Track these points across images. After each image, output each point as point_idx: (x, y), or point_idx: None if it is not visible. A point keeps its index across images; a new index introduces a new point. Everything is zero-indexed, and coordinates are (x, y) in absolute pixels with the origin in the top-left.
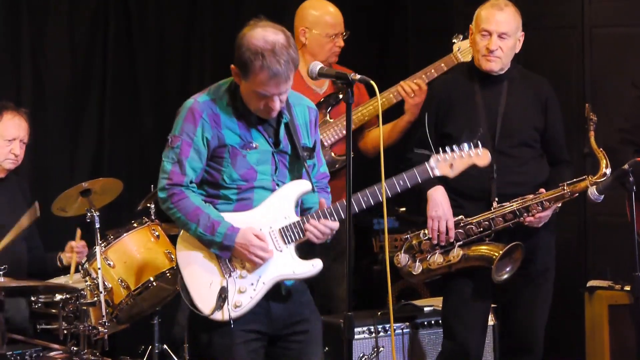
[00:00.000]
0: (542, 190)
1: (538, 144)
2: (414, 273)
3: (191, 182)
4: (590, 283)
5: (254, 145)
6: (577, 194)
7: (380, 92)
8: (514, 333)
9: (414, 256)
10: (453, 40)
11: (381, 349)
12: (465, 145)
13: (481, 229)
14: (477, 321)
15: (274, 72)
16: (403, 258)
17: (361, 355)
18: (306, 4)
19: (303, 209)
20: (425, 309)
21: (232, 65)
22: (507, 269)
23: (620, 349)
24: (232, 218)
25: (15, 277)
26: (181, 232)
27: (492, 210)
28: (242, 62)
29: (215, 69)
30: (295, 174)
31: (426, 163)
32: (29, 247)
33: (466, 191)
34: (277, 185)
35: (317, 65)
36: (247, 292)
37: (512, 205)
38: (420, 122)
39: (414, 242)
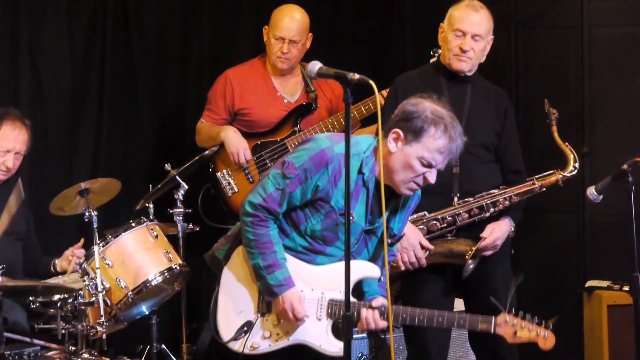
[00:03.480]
0: (503, 186)
1: (494, 149)
2: None
3: (276, 217)
4: (589, 283)
5: (353, 217)
6: (545, 189)
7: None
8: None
9: None
10: (432, 53)
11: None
12: (536, 319)
13: (444, 225)
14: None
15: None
16: None
17: (360, 355)
18: (282, 6)
19: (360, 290)
20: None
21: (396, 129)
22: (470, 262)
23: (619, 349)
24: (294, 265)
25: (12, 277)
26: (240, 250)
27: (457, 206)
28: (415, 126)
29: (214, 70)
30: (372, 255)
31: (494, 318)
32: (25, 247)
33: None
34: (352, 256)
35: (317, 65)
36: (268, 340)
37: (477, 200)
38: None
39: None
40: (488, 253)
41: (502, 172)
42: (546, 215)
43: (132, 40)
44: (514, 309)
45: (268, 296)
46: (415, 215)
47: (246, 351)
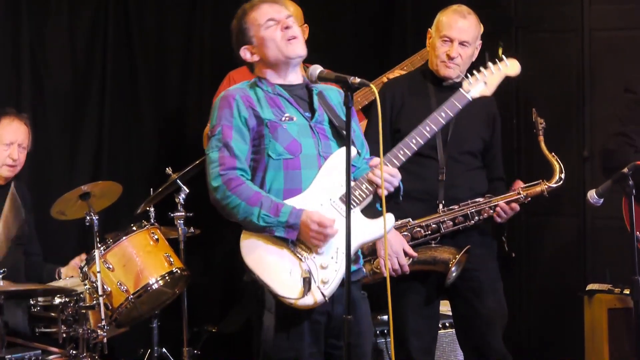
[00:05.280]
0: (488, 195)
1: (480, 156)
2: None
3: (243, 169)
4: (590, 286)
5: (291, 117)
6: (530, 198)
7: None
8: (474, 345)
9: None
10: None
11: None
12: (489, 63)
13: (429, 232)
14: (425, 326)
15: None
16: None
17: None
18: None
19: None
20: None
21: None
22: (453, 270)
23: (620, 353)
24: (289, 202)
25: (13, 281)
26: (242, 239)
27: (441, 214)
28: None
29: (215, 71)
30: (340, 143)
31: (460, 89)
32: (27, 252)
33: (412, 193)
34: (323, 158)
35: (318, 69)
36: (330, 267)
37: (462, 209)
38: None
39: None
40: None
41: (488, 178)
42: (547, 219)
43: (134, 43)
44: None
45: (291, 232)
46: (399, 222)
47: (326, 292)
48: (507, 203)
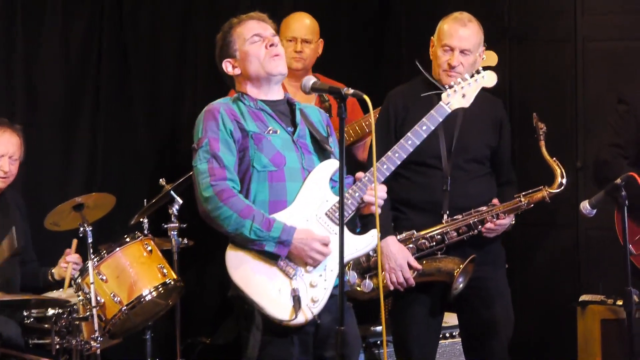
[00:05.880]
0: (496, 201)
1: (488, 162)
2: (365, 291)
3: (233, 179)
4: (583, 297)
5: (275, 130)
6: (533, 205)
7: (374, 105)
8: (479, 354)
9: (362, 274)
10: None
11: None
12: (467, 75)
13: (433, 243)
14: (428, 337)
15: None
16: (351, 276)
17: None
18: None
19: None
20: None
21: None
22: (460, 281)
23: None
24: (276, 217)
25: (7, 292)
26: (227, 252)
27: (445, 224)
28: None
29: (209, 82)
30: (321, 158)
31: (441, 102)
32: (23, 260)
33: (417, 203)
34: (307, 171)
35: (311, 80)
36: (319, 285)
37: (465, 219)
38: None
39: (362, 258)
40: (488, 235)
41: (497, 183)
42: (540, 230)
43: (128, 54)
44: None
45: (282, 251)
46: (404, 234)
47: (315, 311)
48: (509, 211)
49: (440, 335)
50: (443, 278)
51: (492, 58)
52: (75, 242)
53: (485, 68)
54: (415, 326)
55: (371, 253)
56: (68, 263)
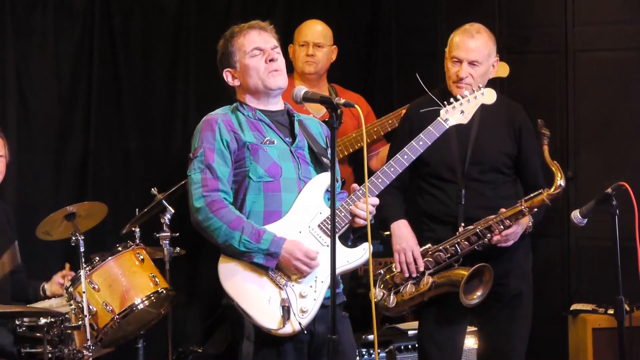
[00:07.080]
0: (502, 209)
1: (510, 170)
2: (390, 306)
3: (225, 191)
4: (574, 306)
5: (272, 140)
6: (536, 209)
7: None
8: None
9: (389, 290)
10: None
11: None
12: (466, 92)
13: (449, 255)
14: (450, 344)
15: None
16: (378, 293)
17: None
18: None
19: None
20: (410, 332)
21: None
22: (479, 293)
23: None
24: (269, 228)
25: (0, 302)
26: (220, 263)
27: (457, 235)
28: None
29: (201, 95)
30: (318, 170)
31: (439, 118)
32: (12, 270)
33: (436, 215)
34: (303, 182)
35: (302, 90)
36: (309, 296)
37: (474, 228)
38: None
39: (387, 276)
40: (503, 244)
41: (526, 190)
42: (531, 239)
43: (119, 64)
44: None
45: (271, 263)
46: (421, 249)
47: (303, 322)
48: (513, 217)
49: None
50: (452, 288)
51: (504, 69)
52: (67, 266)
53: (496, 79)
54: (437, 333)
55: (393, 269)
56: (65, 277)
